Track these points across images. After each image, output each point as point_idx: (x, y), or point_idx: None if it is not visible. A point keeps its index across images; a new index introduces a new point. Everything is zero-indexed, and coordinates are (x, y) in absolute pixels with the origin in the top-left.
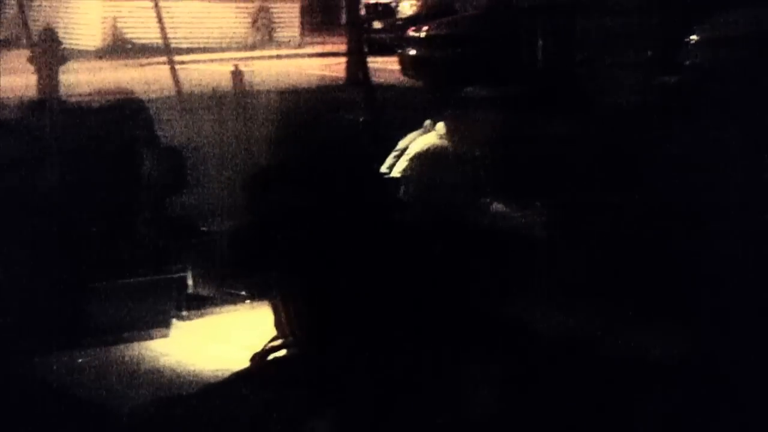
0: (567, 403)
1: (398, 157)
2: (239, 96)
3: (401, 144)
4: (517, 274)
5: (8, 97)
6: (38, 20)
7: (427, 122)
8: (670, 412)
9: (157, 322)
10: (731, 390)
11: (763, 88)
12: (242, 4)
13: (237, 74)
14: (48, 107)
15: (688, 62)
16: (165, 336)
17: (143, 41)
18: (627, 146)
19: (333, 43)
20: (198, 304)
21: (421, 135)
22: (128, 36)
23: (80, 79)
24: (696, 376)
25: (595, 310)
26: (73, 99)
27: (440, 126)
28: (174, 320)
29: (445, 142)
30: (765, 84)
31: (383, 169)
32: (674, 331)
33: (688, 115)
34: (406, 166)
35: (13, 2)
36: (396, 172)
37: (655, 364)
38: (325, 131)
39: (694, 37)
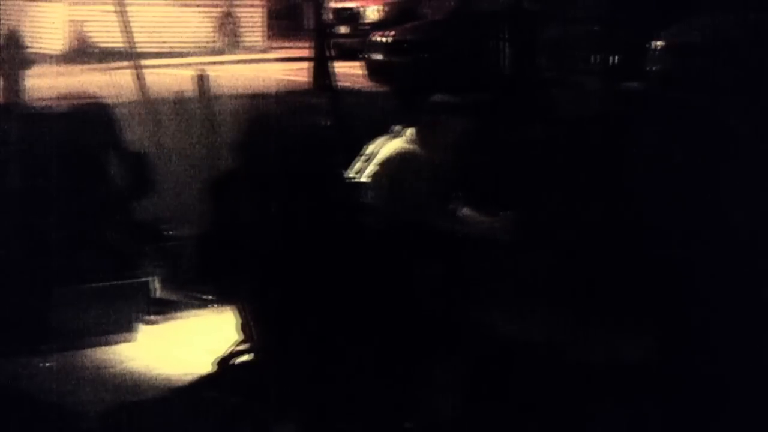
0: (530, 405)
1: (367, 161)
2: (205, 101)
3: (369, 149)
4: (484, 279)
5: None
6: (2, 24)
7: (397, 127)
8: (636, 414)
9: (123, 327)
10: (697, 392)
11: (723, 94)
12: (208, 10)
13: (202, 79)
14: (12, 111)
15: (652, 69)
16: (131, 340)
17: (109, 46)
18: (593, 152)
19: (298, 48)
20: (164, 309)
21: (389, 140)
22: (94, 40)
23: (45, 83)
24: (661, 379)
25: (562, 314)
26: (38, 103)
27: (409, 131)
28: (140, 324)
29: (413, 147)
30: (726, 89)
31: (351, 173)
32: (637, 334)
33: (652, 121)
34: (375, 171)
35: None
36: (365, 177)
37: (619, 366)
38: (290, 136)
39: (658, 44)
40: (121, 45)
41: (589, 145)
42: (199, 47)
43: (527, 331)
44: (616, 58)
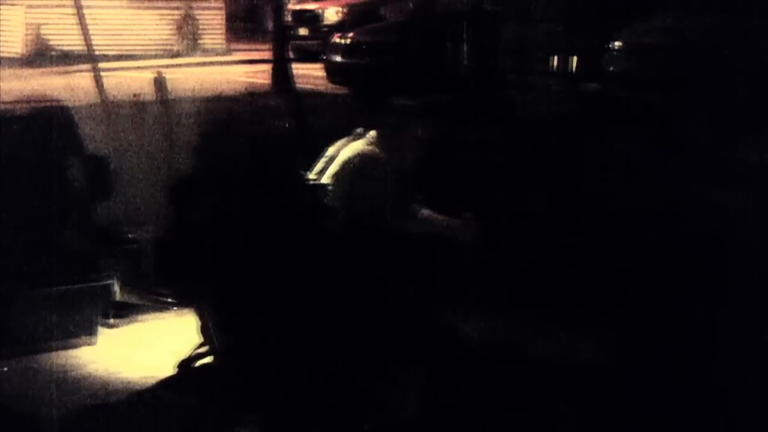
0: (493, 406)
1: (328, 163)
2: (164, 103)
3: (331, 151)
4: (445, 281)
5: None
6: None
7: (358, 129)
8: (594, 413)
9: (84, 330)
10: (655, 392)
11: (682, 96)
12: (167, 12)
13: (162, 81)
14: None
15: (610, 69)
16: (92, 344)
17: (67, 48)
18: (554, 153)
19: (259, 50)
20: (125, 312)
21: (350, 142)
22: (52, 43)
23: (2, 86)
24: (620, 379)
25: (523, 315)
26: None
27: (371, 133)
28: (101, 328)
29: (375, 149)
30: (684, 91)
31: (312, 175)
32: (598, 334)
33: (611, 122)
34: (336, 173)
35: None
36: (325, 179)
37: (579, 367)
38: (251, 138)
39: (617, 44)
40: (79, 48)
41: (550, 145)
42: (158, 50)
43: (490, 332)
44: (578, 58)
